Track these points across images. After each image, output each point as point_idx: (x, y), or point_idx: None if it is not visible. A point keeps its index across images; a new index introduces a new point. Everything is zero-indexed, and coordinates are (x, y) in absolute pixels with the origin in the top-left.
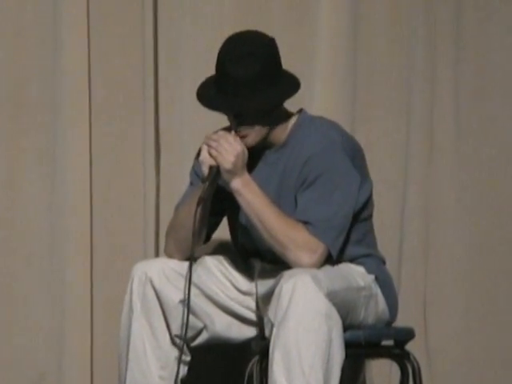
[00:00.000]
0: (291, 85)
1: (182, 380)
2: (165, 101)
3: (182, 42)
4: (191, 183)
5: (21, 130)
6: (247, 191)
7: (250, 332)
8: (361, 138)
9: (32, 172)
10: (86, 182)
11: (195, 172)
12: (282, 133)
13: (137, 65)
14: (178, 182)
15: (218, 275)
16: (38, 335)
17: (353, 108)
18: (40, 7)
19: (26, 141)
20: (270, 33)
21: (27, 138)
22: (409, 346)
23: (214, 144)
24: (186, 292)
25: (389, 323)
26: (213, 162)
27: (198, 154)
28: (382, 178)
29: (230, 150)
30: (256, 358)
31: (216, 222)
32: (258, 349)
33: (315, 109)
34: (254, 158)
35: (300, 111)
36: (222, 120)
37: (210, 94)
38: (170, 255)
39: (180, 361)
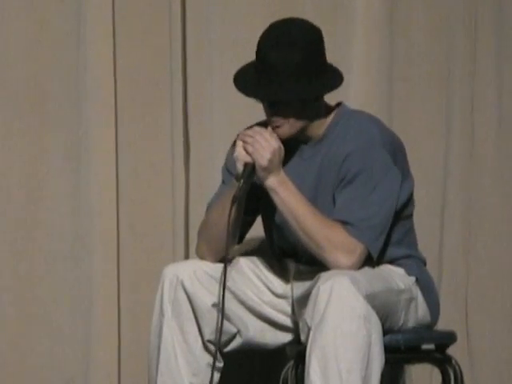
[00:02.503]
0: (334, 78)
1: None
2: (193, 95)
3: (211, 31)
4: (223, 181)
5: (44, 127)
6: (283, 190)
7: (284, 337)
8: (398, 133)
9: (56, 170)
10: (112, 180)
11: (227, 169)
12: (319, 127)
13: (164, 58)
14: (209, 180)
15: (253, 278)
16: (63, 340)
17: (390, 102)
18: (64, 0)
19: (50, 138)
20: None
21: (51, 135)
22: (450, 350)
23: (249, 140)
24: (221, 296)
25: (430, 326)
26: (248, 159)
27: (231, 151)
28: (421, 174)
29: (266, 146)
30: (291, 363)
31: (249, 221)
32: (294, 353)
33: (350, 102)
34: (290, 152)
35: (339, 104)
36: (254, 116)
37: (247, 80)
38: (201, 257)
39: (214, 367)
